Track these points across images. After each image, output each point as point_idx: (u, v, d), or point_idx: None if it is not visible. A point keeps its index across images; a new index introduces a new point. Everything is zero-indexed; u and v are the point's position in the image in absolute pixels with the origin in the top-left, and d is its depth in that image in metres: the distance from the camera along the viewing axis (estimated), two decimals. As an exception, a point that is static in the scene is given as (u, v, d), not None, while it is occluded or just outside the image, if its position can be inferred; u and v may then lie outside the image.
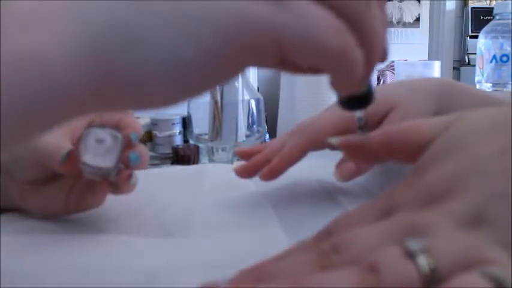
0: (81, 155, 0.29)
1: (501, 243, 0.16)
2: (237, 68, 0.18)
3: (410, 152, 0.22)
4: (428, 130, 0.22)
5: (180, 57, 0.16)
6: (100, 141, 0.30)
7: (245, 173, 0.37)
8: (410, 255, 0.16)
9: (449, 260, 0.16)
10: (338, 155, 0.35)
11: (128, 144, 0.31)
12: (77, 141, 0.30)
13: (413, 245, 0.16)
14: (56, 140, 0.31)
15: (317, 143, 0.36)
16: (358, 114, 0.24)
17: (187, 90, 0.17)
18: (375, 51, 0.19)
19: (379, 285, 0.15)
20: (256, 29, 0.16)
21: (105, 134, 0.30)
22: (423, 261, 0.16)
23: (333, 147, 0.26)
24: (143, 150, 0.31)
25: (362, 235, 0.18)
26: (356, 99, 0.22)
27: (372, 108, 0.36)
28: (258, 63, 0.18)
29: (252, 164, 0.37)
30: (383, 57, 0.20)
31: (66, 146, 0.30)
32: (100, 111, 0.18)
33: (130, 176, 0.31)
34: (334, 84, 0.20)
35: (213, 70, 0.17)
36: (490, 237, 0.17)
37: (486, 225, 0.17)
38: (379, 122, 0.37)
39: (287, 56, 0.17)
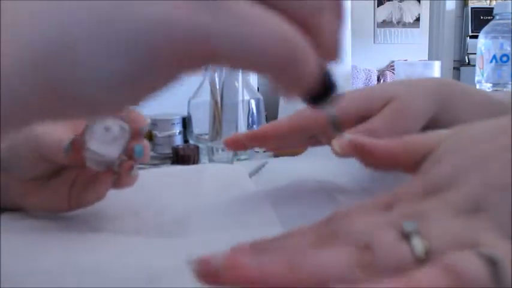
0: (87, 141, 0.30)
1: (501, 230, 0.17)
2: (171, 77, 0.17)
3: (413, 161, 0.23)
4: (432, 140, 0.23)
5: (110, 72, 0.15)
6: (107, 129, 0.30)
7: (233, 144, 0.36)
8: (405, 237, 0.16)
9: (444, 243, 0.16)
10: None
11: (134, 136, 0.31)
12: (84, 129, 0.30)
13: (409, 226, 0.17)
14: (58, 131, 0.31)
15: (307, 127, 0.35)
16: (330, 111, 0.22)
17: (127, 100, 0.17)
18: (327, 53, 0.18)
19: (373, 264, 0.16)
20: (188, 40, 0.15)
21: (113, 124, 0.30)
22: (418, 242, 0.16)
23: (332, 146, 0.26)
24: (146, 144, 0.32)
25: (361, 222, 0.18)
26: (317, 95, 0.20)
27: (370, 103, 0.36)
28: (194, 71, 0.17)
29: (240, 135, 0.36)
30: (336, 59, 0.19)
31: (69, 136, 0.31)
32: (54, 120, 0.17)
33: (132, 167, 0.31)
34: (282, 91, 0.18)
35: (147, 81, 0.16)
36: (488, 223, 0.17)
37: (484, 212, 0.17)
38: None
39: (227, 64, 0.17)
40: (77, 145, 0.30)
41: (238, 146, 0.36)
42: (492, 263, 0.15)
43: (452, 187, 0.19)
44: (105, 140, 0.30)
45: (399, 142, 0.24)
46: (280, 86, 0.18)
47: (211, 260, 0.16)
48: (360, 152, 0.25)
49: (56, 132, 0.31)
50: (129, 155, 0.31)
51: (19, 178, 0.33)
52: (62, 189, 0.32)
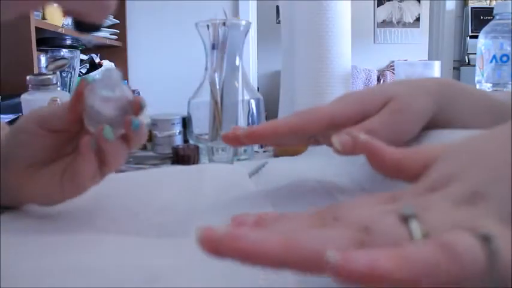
0: (87, 99, 0.31)
1: (500, 217, 0.17)
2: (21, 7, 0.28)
3: (418, 169, 0.23)
4: (435, 151, 0.23)
5: None
6: (108, 86, 0.31)
7: (232, 140, 0.36)
8: (404, 220, 0.17)
9: (442, 228, 0.16)
10: (339, 156, 0.35)
11: (135, 111, 0.32)
12: (86, 91, 0.32)
13: (408, 210, 0.17)
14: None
15: (306, 128, 0.35)
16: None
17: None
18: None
19: (369, 244, 0.16)
20: None
21: (115, 84, 0.32)
22: (416, 225, 0.16)
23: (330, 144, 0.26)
24: (143, 124, 0.32)
25: (363, 209, 0.19)
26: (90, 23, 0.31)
27: (369, 103, 0.36)
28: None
29: (239, 132, 0.35)
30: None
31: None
32: None
33: (103, 128, 0.31)
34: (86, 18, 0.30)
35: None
36: (487, 211, 0.17)
37: (483, 201, 0.18)
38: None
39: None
40: (80, 93, 0.32)
41: (237, 142, 0.36)
42: (486, 240, 0.15)
43: (452, 182, 0.19)
44: (104, 99, 0.31)
45: (404, 151, 0.25)
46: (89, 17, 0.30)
47: (214, 229, 0.16)
48: (369, 154, 0.25)
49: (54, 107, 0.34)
50: (127, 126, 0.31)
51: (17, 163, 0.33)
52: (54, 178, 0.33)
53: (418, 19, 4.16)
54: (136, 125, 0.31)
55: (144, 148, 0.74)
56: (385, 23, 4.16)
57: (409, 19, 4.16)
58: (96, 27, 0.32)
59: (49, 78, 0.72)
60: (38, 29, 1.58)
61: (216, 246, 0.16)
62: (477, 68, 0.83)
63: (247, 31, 0.66)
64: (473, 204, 0.18)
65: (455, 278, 0.14)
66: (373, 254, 0.14)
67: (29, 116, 0.34)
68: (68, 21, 1.82)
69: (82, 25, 0.32)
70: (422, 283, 0.14)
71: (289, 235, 0.16)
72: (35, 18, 1.56)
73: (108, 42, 2.34)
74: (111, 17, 2.30)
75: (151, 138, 0.72)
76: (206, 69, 0.65)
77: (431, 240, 0.15)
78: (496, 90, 0.79)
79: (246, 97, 0.65)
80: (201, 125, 0.65)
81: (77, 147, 0.33)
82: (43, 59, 1.70)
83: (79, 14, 0.30)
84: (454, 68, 2.82)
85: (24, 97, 0.72)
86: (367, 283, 0.14)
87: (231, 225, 0.18)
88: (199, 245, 0.16)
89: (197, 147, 0.64)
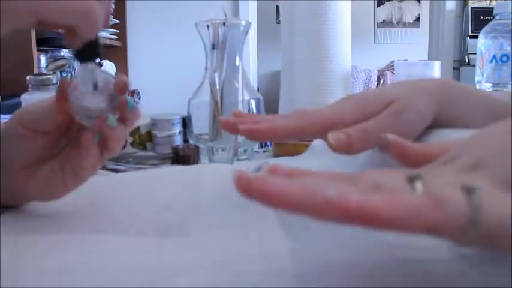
0: (71, 95, 0.31)
1: (500, 183, 0.18)
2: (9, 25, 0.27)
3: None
4: (454, 141, 0.25)
5: None
6: (90, 80, 0.31)
7: (230, 128, 0.36)
8: (410, 180, 0.19)
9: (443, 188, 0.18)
10: (338, 156, 0.35)
11: (120, 89, 0.32)
12: (69, 85, 0.31)
13: (413, 172, 0.19)
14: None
15: (305, 130, 0.35)
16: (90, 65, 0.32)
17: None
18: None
19: None
20: (20, 9, 0.27)
21: (97, 75, 0.32)
22: (419, 185, 0.18)
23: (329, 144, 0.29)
24: (137, 106, 0.33)
25: (380, 175, 0.20)
26: (87, 50, 0.31)
27: (369, 107, 0.36)
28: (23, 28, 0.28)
29: (240, 125, 0.35)
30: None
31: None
32: None
33: (107, 118, 0.32)
34: (77, 33, 0.29)
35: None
36: (484, 176, 0.19)
37: (483, 168, 0.19)
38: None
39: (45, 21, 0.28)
40: (64, 88, 0.31)
41: (235, 131, 0.36)
42: (471, 193, 0.16)
43: (458, 158, 0.21)
44: (90, 93, 0.31)
45: (424, 144, 0.27)
46: (72, 38, 0.30)
47: (248, 172, 0.18)
48: (396, 149, 0.27)
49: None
50: (122, 107, 0.32)
51: (12, 164, 0.33)
52: (54, 174, 0.33)
53: (418, 19, 4.16)
54: (132, 105, 0.32)
55: (144, 148, 0.74)
56: (385, 23, 4.16)
57: (409, 19, 4.17)
58: (96, 55, 0.31)
59: (49, 78, 0.72)
60: (38, 29, 1.58)
61: (247, 187, 0.18)
62: (477, 68, 0.83)
63: (247, 31, 0.66)
64: (474, 171, 0.19)
65: (438, 226, 0.16)
66: (367, 195, 0.16)
67: (15, 117, 0.34)
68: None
69: (82, 53, 0.31)
70: (407, 226, 0.16)
71: (308, 185, 0.17)
72: (35, 18, 1.56)
73: (108, 42, 2.35)
74: (111, 17, 2.30)
75: (151, 138, 0.72)
76: (206, 69, 0.65)
77: (425, 193, 0.17)
78: (496, 90, 0.79)
79: (246, 97, 0.65)
80: (201, 125, 0.65)
81: (71, 142, 0.33)
82: (43, 59, 1.70)
83: (70, 29, 0.29)
84: (454, 68, 2.82)
85: (24, 97, 0.72)
86: (358, 221, 0.15)
87: (265, 172, 0.21)
88: (235, 185, 0.18)
89: (197, 147, 0.64)
